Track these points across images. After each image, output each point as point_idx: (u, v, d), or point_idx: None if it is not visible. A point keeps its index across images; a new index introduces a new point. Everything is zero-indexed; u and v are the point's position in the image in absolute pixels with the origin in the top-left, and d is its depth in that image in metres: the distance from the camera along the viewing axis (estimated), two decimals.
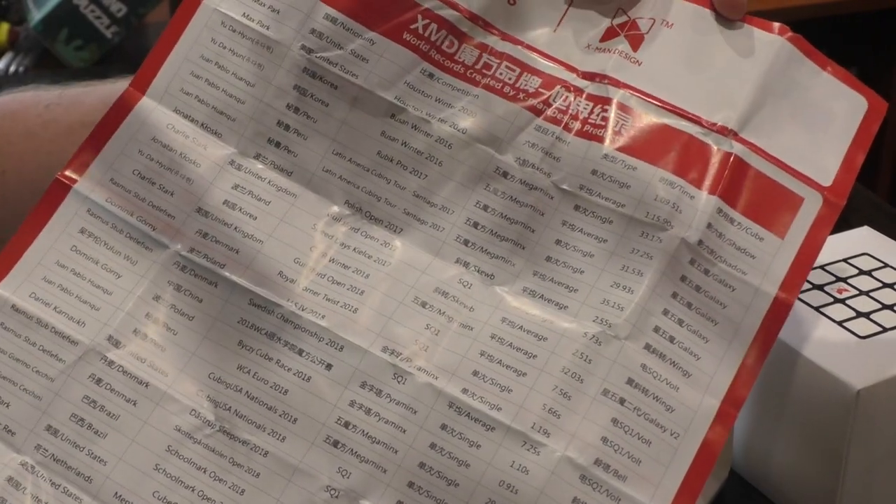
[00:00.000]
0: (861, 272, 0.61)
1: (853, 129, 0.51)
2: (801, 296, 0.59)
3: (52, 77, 1.06)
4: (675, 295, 0.48)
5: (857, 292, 0.59)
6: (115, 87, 0.64)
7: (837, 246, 0.63)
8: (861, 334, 0.56)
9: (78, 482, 0.47)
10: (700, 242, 0.48)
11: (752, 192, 0.49)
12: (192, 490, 0.47)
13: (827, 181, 0.50)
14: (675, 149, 0.50)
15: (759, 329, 0.47)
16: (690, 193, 0.49)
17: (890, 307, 0.58)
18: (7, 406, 0.48)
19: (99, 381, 0.48)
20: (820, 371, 0.55)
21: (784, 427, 0.57)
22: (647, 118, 0.50)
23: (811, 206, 0.49)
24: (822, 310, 0.58)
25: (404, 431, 0.46)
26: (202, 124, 0.51)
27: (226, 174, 0.51)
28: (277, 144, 0.51)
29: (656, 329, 0.47)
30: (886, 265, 0.61)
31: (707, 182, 0.49)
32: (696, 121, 0.50)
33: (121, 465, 0.47)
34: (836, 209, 0.49)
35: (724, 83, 0.51)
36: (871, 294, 0.59)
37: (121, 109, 0.52)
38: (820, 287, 0.60)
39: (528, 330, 0.48)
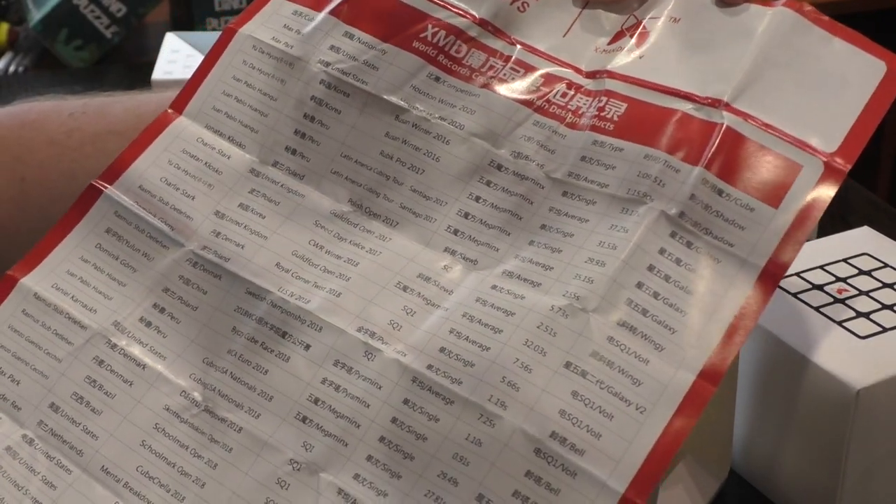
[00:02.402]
0: (861, 272, 0.61)
1: (868, 93, 0.49)
2: (800, 296, 0.59)
3: (55, 75, 1.06)
4: (651, 268, 0.47)
5: (857, 292, 0.59)
6: (141, 98, 0.65)
7: (837, 246, 0.63)
8: (861, 334, 0.56)
9: (70, 455, 0.49)
10: (682, 214, 0.47)
11: (743, 161, 0.48)
12: (173, 466, 0.48)
13: (831, 147, 0.48)
14: (664, 127, 0.49)
15: (744, 302, 0.46)
16: (675, 167, 0.48)
17: (890, 307, 0.58)
18: (18, 384, 0.51)
19: (101, 362, 0.51)
20: (820, 371, 0.55)
21: (784, 427, 0.57)
22: (640, 102, 0.50)
23: (810, 174, 0.47)
24: (822, 310, 0.58)
25: (368, 406, 0.47)
26: (229, 137, 0.55)
27: (245, 180, 0.54)
28: (294, 152, 0.54)
29: (629, 302, 0.46)
30: (886, 265, 0.61)
31: (692, 154, 0.48)
32: (688, 97, 0.50)
33: (111, 441, 0.49)
34: (840, 175, 0.47)
35: (720, 60, 0.50)
36: (871, 294, 0.59)
37: (158, 126, 0.56)
38: (820, 287, 0.60)
39: (498, 307, 0.47)
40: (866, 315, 0.58)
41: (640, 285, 0.46)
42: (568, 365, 0.45)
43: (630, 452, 0.44)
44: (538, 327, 0.46)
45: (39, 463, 0.49)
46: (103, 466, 0.49)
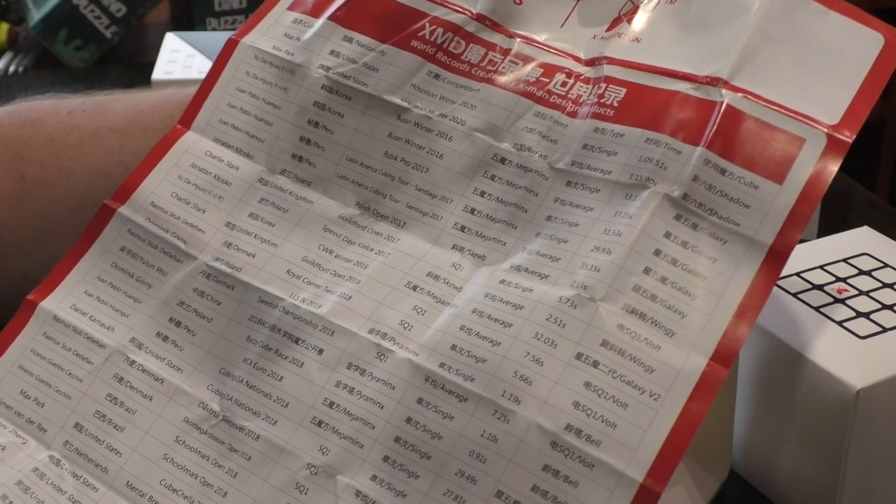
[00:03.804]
0: (861, 272, 0.61)
1: (867, 65, 0.49)
2: (800, 296, 0.59)
3: (55, 75, 1.06)
4: (658, 252, 0.46)
5: (857, 292, 0.59)
6: (140, 96, 0.66)
7: (837, 246, 0.63)
8: (861, 334, 0.56)
9: (96, 473, 0.50)
10: (685, 196, 0.47)
11: (745, 139, 0.47)
12: (196, 477, 0.49)
13: (833, 119, 0.47)
14: (664, 109, 0.49)
15: (753, 282, 0.46)
16: (677, 149, 0.48)
17: (890, 307, 0.58)
18: (42, 406, 0.52)
19: (121, 379, 0.51)
20: (820, 371, 0.55)
21: (784, 427, 0.57)
22: (638, 86, 0.50)
23: (814, 146, 0.47)
24: (822, 310, 0.58)
25: (382, 407, 0.47)
26: (237, 149, 0.55)
27: (254, 190, 0.54)
28: (300, 159, 0.54)
29: (636, 288, 0.46)
30: (886, 265, 0.61)
31: (692, 134, 0.48)
32: (687, 78, 0.49)
33: (134, 456, 0.50)
34: (843, 146, 0.47)
35: (717, 39, 0.50)
36: (871, 294, 0.59)
37: (167, 143, 0.56)
38: (820, 287, 0.60)
39: (507, 301, 0.47)
40: (866, 315, 0.58)
41: (647, 271, 0.46)
42: (579, 356, 0.45)
43: (646, 440, 0.43)
44: (547, 319, 0.46)
45: (66, 483, 0.50)
46: (128, 482, 0.49)
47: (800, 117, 0.48)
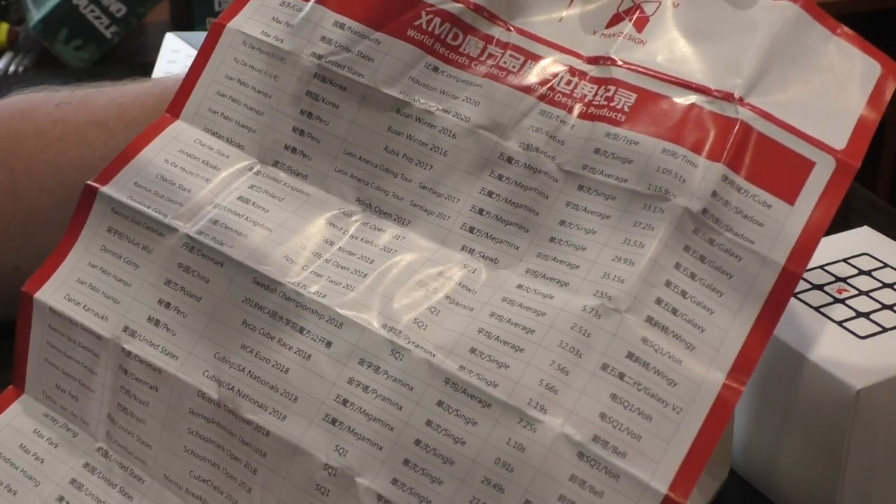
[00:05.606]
0: (861, 272, 0.61)
1: (866, 92, 0.50)
2: (801, 296, 0.59)
3: (55, 75, 1.06)
4: (678, 266, 0.46)
5: (857, 292, 0.59)
6: (126, 89, 0.65)
7: (837, 246, 0.63)
8: (861, 334, 0.56)
9: (137, 464, 0.50)
10: (704, 211, 0.47)
11: (759, 157, 0.48)
12: (218, 468, 0.48)
13: (840, 144, 0.48)
14: (678, 119, 0.49)
15: (767, 300, 0.46)
16: (694, 162, 0.48)
17: (890, 307, 0.58)
18: (77, 399, 0.52)
19: (125, 371, 0.51)
20: (820, 371, 0.55)
21: (784, 427, 0.57)
22: (650, 93, 0.50)
23: (823, 170, 0.48)
24: (822, 310, 0.58)
25: (400, 408, 0.46)
26: (227, 139, 0.54)
27: (245, 178, 0.53)
28: (294, 150, 0.53)
29: (658, 301, 0.46)
30: (886, 265, 0.61)
31: (712, 150, 0.48)
32: (700, 90, 0.49)
33: (162, 449, 0.50)
34: (850, 172, 0.48)
35: (729, 51, 0.50)
36: (871, 294, 0.59)
37: (154, 130, 0.54)
38: (820, 287, 0.60)
39: (527, 307, 0.47)
40: (866, 315, 0.58)
41: (668, 284, 0.46)
42: (605, 367, 0.45)
43: (669, 453, 0.44)
44: (572, 328, 0.46)
45: (115, 475, 0.50)
46: (165, 475, 0.49)
47: (810, 140, 0.48)
